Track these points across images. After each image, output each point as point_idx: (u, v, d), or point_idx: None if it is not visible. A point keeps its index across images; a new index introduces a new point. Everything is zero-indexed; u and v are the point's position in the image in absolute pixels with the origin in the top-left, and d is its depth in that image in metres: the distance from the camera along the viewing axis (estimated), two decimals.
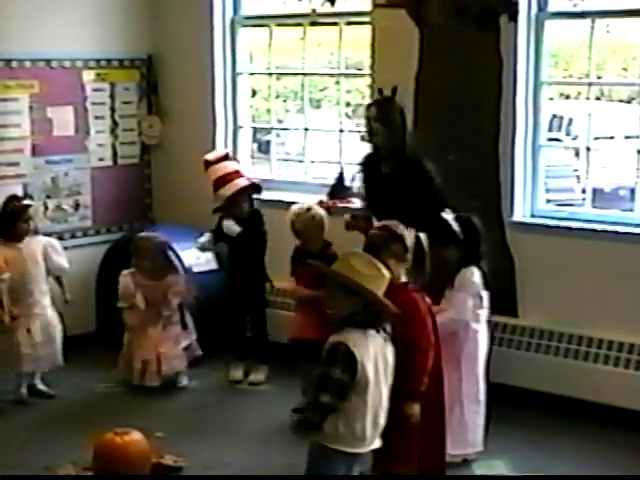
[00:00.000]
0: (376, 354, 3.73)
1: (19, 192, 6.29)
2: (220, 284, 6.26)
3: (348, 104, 10.84)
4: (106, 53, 6.93)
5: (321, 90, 13.85)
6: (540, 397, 5.55)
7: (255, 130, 7.59)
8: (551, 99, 8.54)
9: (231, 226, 6.06)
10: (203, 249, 6.19)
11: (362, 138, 5.66)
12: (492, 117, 5.73)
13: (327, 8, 6.26)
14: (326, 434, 3.72)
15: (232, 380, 6.21)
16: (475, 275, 4.86)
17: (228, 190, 6.07)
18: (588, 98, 5.87)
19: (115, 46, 6.97)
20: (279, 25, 6.94)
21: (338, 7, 6.29)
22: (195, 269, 6.33)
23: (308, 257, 4.94)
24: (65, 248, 6.14)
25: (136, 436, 4.59)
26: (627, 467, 4.90)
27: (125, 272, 6.07)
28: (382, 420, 3.82)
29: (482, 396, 4.95)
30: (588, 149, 5.85)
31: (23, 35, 6.42)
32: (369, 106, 5.56)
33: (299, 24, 6.77)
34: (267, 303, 6.35)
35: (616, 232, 5.48)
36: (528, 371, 5.55)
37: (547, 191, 6.20)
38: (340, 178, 6.48)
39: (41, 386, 5.97)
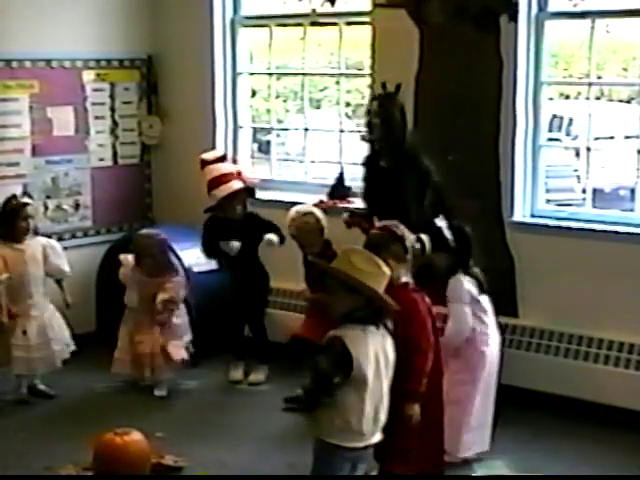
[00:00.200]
0: (376, 350, 3.75)
1: (19, 192, 6.28)
2: (220, 284, 6.25)
3: (348, 104, 10.86)
4: (106, 53, 6.93)
5: (321, 90, 13.87)
6: (540, 397, 5.55)
7: (255, 130, 7.59)
8: (551, 99, 8.55)
9: (233, 245, 6.02)
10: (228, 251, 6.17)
11: (362, 138, 5.66)
12: (492, 117, 5.73)
13: (327, 8, 6.26)
14: (324, 428, 3.76)
15: (232, 380, 6.21)
16: (464, 282, 4.88)
17: (222, 192, 6.06)
18: (588, 98, 5.87)
19: (115, 46, 6.97)
20: (279, 25, 6.94)
21: (338, 7, 6.29)
22: (195, 269, 6.33)
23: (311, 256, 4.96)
24: (65, 248, 6.14)
25: (136, 436, 4.59)
26: (627, 467, 4.90)
27: (126, 260, 6.06)
28: (383, 416, 3.83)
29: (492, 397, 4.99)
30: (588, 149, 5.85)
31: (23, 35, 6.42)
32: (371, 100, 5.57)
33: (299, 24, 6.77)
34: (268, 303, 6.35)
35: (616, 232, 5.49)
36: (528, 371, 5.55)
37: (547, 191, 6.20)
38: (340, 178, 6.49)
39: (41, 386, 5.97)
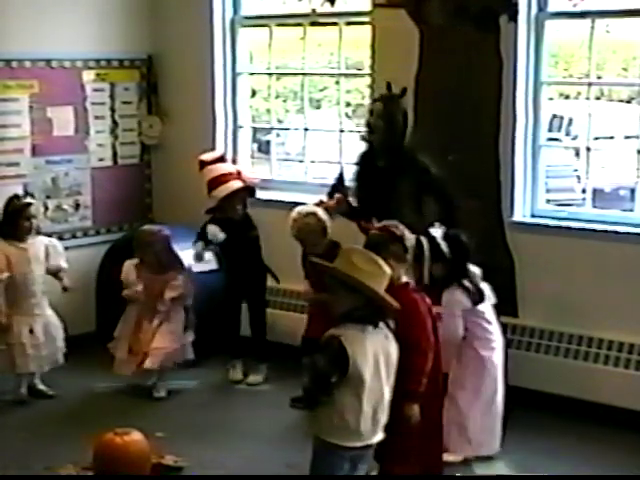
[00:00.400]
0: (376, 350, 3.75)
1: (19, 192, 6.28)
2: (220, 284, 6.26)
3: (348, 104, 10.86)
4: (106, 53, 6.93)
5: (321, 90, 13.87)
6: (540, 397, 5.55)
7: (255, 130, 7.59)
8: (551, 99, 8.55)
9: (216, 232, 6.03)
10: (199, 258, 6.15)
11: (362, 138, 5.66)
12: (492, 117, 5.73)
13: (327, 8, 6.26)
14: (322, 427, 3.77)
15: (232, 380, 6.21)
16: (456, 295, 4.90)
17: (221, 192, 6.07)
18: (588, 98, 5.87)
19: (115, 46, 6.97)
20: (279, 25, 6.94)
21: (338, 7, 6.29)
22: (195, 269, 6.32)
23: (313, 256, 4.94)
24: (65, 248, 6.13)
25: (136, 436, 4.59)
26: (627, 467, 4.90)
27: (129, 262, 6.05)
28: (383, 416, 3.83)
29: (499, 401, 5.02)
30: (588, 149, 5.85)
31: (23, 35, 6.42)
32: (375, 101, 5.56)
33: (299, 24, 6.77)
34: (267, 303, 6.35)
35: (616, 232, 5.49)
36: (528, 371, 5.55)
37: (547, 191, 6.20)
38: (340, 178, 6.47)
39: (41, 386, 5.97)
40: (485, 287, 5.02)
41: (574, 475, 4.83)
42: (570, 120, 12.56)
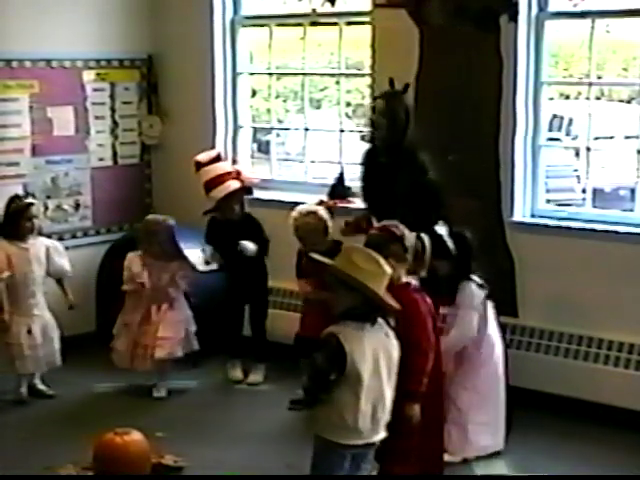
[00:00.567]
0: (376, 349, 3.75)
1: (19, 192, 6.28)
2: (220, 284, 6.25)
3: (348, 104, 10.86)
4: (106, 53, 6.93)
5: (321, 90, 13.87)
6: (540, 397, 5.55)
7: (255, 130, 7.59)
8: (551, 99, 8.54)
9: (248, 246, 6.02)
10: (207, 263, 6.15)
11: (362, 138, 5.66)
12: (492, 117, 5.73)
13: (327, 8, 6.26)
14: (322, 425, 3.78)
15: (232, 380, 6.21)
16: (472, 287, 4.92)
17: (220, 192, 6.07)
18: (588, 98, 5.86)
19: (115, 46, 6.97)
20: (279, 25, 6.94)
21: (338, 7, 6.29)
22: (198, 269, 6.31)
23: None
24: (65, 248, 6.14)
25: (136, 436, 4.59)
26: (627, 467, 4.90)
27: (132, 253, 6.03)
28: (383, 415, 3.82)
29: (502, 398, 5.03)
30: (588, 149, 5.84)
31: (23, 35, 6.41)
32: (377, 98, 5.56)
33: (299, 24, 6.77)
34: (268, 303, 6.35)
35: (616, 232, 5.48)
36: (528, 371, 5.54)
37: (547, 191, 6.20)
38: (340, 178, 6.48)
39: (41, 386, 5.97)
40: None
41: (574, 475, 4.82)
42: (570, 120, 12.56)
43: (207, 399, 6.00)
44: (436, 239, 4.82)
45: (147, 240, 5.98)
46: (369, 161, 5.52)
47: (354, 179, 6.25)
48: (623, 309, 5.44)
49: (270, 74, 7.18)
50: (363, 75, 6.91)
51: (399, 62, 5.92)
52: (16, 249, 5.76)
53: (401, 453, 4.27)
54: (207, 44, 6.93)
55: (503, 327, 5.29)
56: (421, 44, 5.90)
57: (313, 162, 7.26)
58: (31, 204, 5.85)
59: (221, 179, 6.11)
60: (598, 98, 9.65)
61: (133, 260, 5.97)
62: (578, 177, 11.41)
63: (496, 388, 5.02)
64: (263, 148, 9.68)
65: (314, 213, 5.71)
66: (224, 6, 6.94)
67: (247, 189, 6.22)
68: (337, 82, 7.40)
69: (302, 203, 5.98)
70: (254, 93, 8.19)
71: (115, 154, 7.09)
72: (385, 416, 3.84)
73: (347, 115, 10.28)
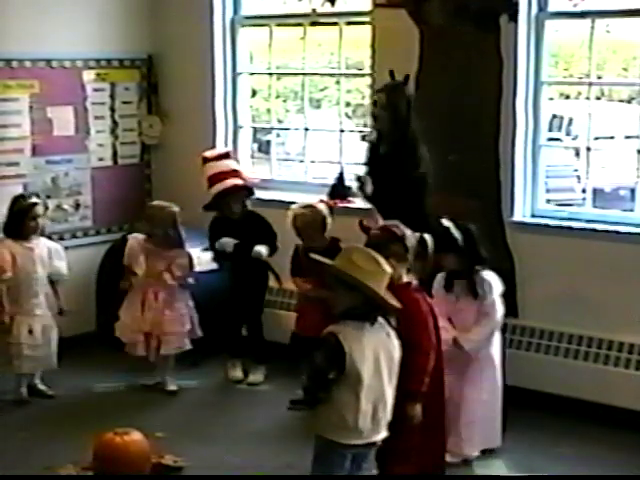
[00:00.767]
0: (376, 348, 3.75)
1: (25, 192, 6.27)
2: (220, 284, 6.25)
3: (348, 104, 10.87)
4: (106, 53, 6.93)
5: (321, 90, 13.88)
6: (540, 397, 5.55)
7: (255, 130, 7.59)
8: (551, 99, 8.54)
9: (261, 251, 6.01)
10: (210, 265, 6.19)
11: (362, 138, 5.66)
12: (492, 117, 5.73)
13: (327, 8, 6.26)
14: (322, 425, 3.78)
15: (232, 380, 6.21)
16: (491, 275, 4.95)
17: (216, 188, 6.09)
18: (588, 98, 5.86)
19: (115, 46, 6.97)
20: (279, 25, 6.94)
21: (338, 7, 6.29)
22: (195, 269, 6.32)
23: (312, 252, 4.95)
24: (65, 248, 6.14)
25: (136, 436, 4.59)
26: (627, 467, 4.90)
27: (133, 236, 6.05)
28: (384, 414, 3.83)
29: (499, 394, 5.04)
30: (588, 149, 5.84)
31: (23, 35, 6.41)
32: (378, 91, 5.56)
33: (299, 24, 6.77)
34: (264, 303, 6.35)
35: (616, 232, 5.48)
36: (528, 371, 5.55)
37: (547, 191, 6.20)
38: (340, 178, 6.47)
39: (41, 386, 5.97)
40: None
41: (574, 475, 4.82)
42: (570, 120, 12.57)
43: (207, 399, 6.01)
44: (443, 232, 4.83)
45: (151, 224, 6.00)
46: (373, 156, 5.51)
47: (354, 179, 6.25)
48: (623, 309, 5.43)
49: (270, 74, 7.18)
50: (363, 75, 6.91)
51: (399, 62, 5.91)
52: (21, 248, 5.76)
53: (402, 453, 4.27)
54: (207, 44, 6.93)
55: (503, 327, 5.29)
56: (421, 44, 5.90)
57: (313, 162, 7.26)
58: (36, 203, 5.86)
59: (222, 176, 6.12)
60: (598, 98, 9.65)
61: (134, 245, 6.00)
62: (578, 177, 11.42)
63: (494, 388, 5.01)
64: (263, 148, 9.69)
65: (312, 206, 5.75)
66: (224, 6, 6.94)
67: (249, 190, 6.22)
68: (337, 82, 7.40)
69: None
70: (254, 93, 8.20)
71: (115, 154, 7.09)
72: (386, 416, 3.84)
73: (347, 115, 10.28)
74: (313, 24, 6.63)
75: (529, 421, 5.37)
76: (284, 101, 12.70)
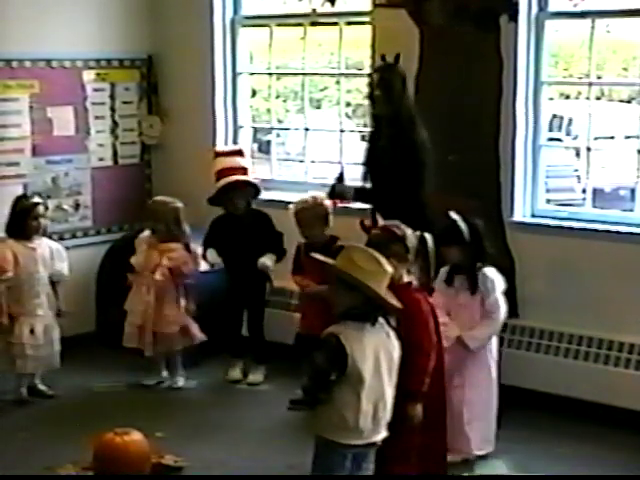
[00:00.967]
0: (377, 348, 3.75)
1: (19, 192, 6.28)
2: (220, 284, 6.25)
3: (348, 104, 10.86)
4: (106, 53, 6.93)
5: (321, 90, 13.89)
6: (540, 397, 5.55)
7: (255, 130, 7.59)
8: (551, 99, 8.55)
9: (267, 263, 6.01)
10: (212, 266, 6.18)
11: (363, 138, 5.66)
12: (492, 117, 5.73)
13: (327, 8, 6.26)
14: (323, 425, 3.78)
15: (231, 380, 6.21)
16: (495, 272, 4.94)
17: (220, 184, 6.10)
18: (588, 98, 5.87)
19: (115, 46, 6.97)
20: (279, 25, 6.94)
21: (338, 7, 6.29)
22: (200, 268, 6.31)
23: (313, 251, 4.95)
24: (66, 248, 6.13)
25: (136, 436, 4.59)
26: (627, 467, 4.90)
27: (143, 235, 6.07)
28: (385, 414, 3.83)
29: (495, 395, 5.03)
30: (588, 149, 5.85)
31: (23, 35, 6.41)
32: (371, 73, 5.56)
33: (299, 24, 6.77)
34: (266, 303, 6.35)
35: (617, 232, 5.49)
36: (528, 371, 5.55)
37: (547, 191, 6.20)
38: (340, 178, 6.47)
39: (41, 386, 5.97)
40: None
41: (574, 475, 4.82)
42: (570, 120, 12.57)
43: (207, 399, 6.00)
44: (450, 225, 4.82)
45: (154, 219, 6.01)
46: (372, 143, 5.49)
47: (354, 179, 6.25)
48: (623, 309, 5.44)
49: (270, 74, 7.18)
50: (363, 75, 6.90)
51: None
52: (23, 248, 5.76)
53: (402, 453, 4.27)
54: (207, 44, 6.93)
55: (502, 326, 5.29)
56: (421, 44, 5.89)
57: (313, 162, 7.26)
58: (38, 203, 5.87)
59: (230, 172, 6.13)
60: (598, 98, 9.65)
61: (142, 240, 6.04)
62: (578, 177, 11.43)
63: (492, 388, 5.01)
64: (263, 148, 9.69)
65: (314, 197, 5.76)
66: (224, 6, 6.94)
67: (255, 188, 6.22)
68: (337, 82, 7.41)
69: None
70: (254, 93, 8.20)
71: (115, 154, 7.09)
72: (386, 416, 3.84)
73: (347, 115, 10.28)
74: (313, 24, 6.63)
75: (529, 421, 5.37)
76: (284, 101, 12.71)
